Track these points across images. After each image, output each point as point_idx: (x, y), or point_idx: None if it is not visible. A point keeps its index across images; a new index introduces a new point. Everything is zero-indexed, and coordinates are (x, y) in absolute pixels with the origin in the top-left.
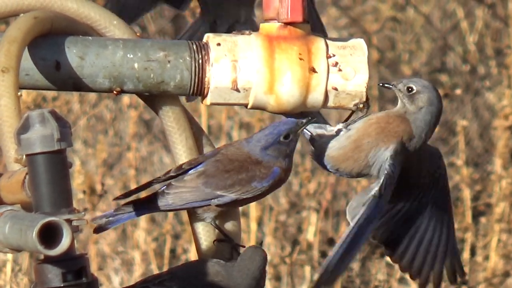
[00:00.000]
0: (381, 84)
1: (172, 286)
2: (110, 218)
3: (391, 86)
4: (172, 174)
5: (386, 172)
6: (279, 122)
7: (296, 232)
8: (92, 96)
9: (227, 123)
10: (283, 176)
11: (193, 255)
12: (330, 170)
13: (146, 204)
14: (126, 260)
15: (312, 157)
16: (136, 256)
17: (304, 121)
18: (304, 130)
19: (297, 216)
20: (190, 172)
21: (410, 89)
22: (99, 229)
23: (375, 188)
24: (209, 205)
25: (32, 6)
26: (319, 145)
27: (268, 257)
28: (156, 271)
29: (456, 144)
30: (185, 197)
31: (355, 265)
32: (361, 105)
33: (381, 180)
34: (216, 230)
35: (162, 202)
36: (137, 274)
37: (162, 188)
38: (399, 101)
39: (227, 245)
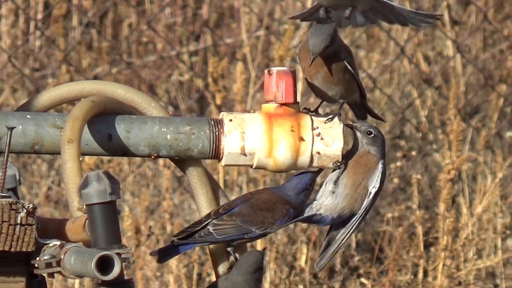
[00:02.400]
0: (346, 124)
1: None
2: (171, 250)
3: (353, 127)
4: (213, 216)
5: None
6: (300, 175)
7: (292, 259)
8: (137, 159)
9: (239, 178)
10: (296, 214)
11: (213, 278)
12: (328, 220)
13: (194, 239)
14: (163, 282)
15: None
16: (170, 279)
17: (315, 173)
18: None
19: (292, 247)
20: (227, 214)
21: (369, 133)
22: (161, 259)
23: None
24: (243, 238)
25: (90, 92)
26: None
27: (270, 279)
28: None
29: (412, 193)
30: (227, 231)
31: (336, 285)
32: (338, 164)
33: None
34: (230, 259)
35: (208, 236)
36: None
37: (207, 227)
38: (359, 142)
39: None
